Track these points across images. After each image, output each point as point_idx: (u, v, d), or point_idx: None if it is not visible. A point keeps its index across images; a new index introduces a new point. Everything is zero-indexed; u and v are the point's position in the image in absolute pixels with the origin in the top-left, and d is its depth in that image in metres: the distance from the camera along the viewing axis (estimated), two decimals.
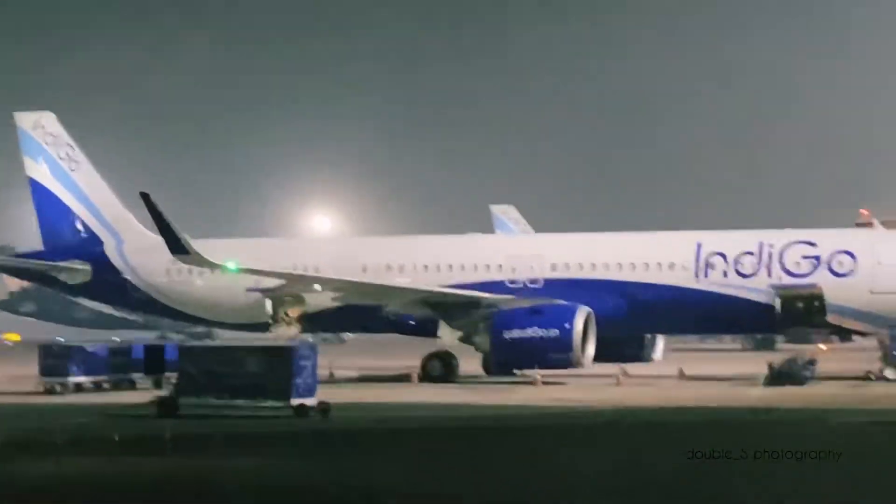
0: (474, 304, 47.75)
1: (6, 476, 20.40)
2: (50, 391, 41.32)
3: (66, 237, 57.14)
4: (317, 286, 48.94)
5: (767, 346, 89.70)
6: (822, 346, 58.36)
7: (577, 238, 52.75)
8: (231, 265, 46.51)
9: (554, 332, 45.12)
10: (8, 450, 23.57)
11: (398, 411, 33.23)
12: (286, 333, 51.48)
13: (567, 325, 45.24)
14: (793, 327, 48.91)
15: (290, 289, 50.56)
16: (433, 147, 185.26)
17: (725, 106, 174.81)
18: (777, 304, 46.89)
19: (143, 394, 40.15)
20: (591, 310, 46.22)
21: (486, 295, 48.11)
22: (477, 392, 42.31)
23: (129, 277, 55.39)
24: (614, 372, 48.00)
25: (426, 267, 51.14)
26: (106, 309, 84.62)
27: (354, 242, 55.85)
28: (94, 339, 54.33)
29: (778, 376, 45.03)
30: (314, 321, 52.58)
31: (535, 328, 45.39)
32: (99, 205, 57.15)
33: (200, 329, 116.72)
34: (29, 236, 61.65)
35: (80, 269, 56.10)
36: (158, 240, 55.61)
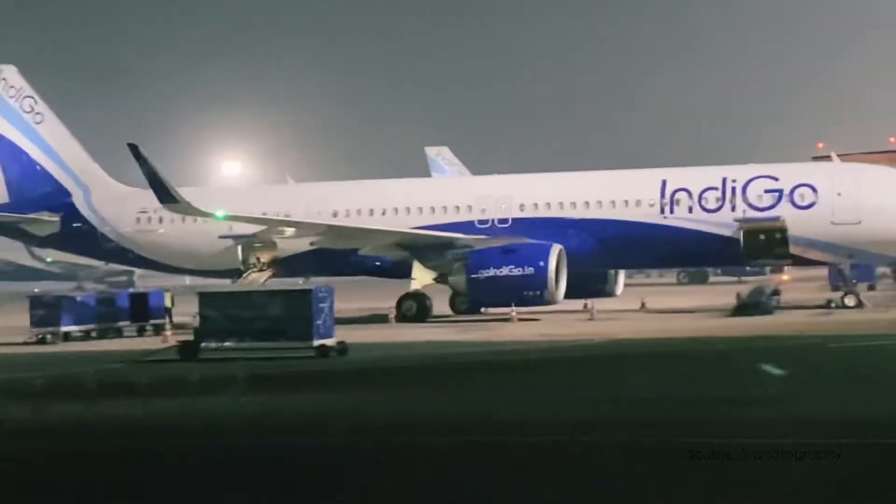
0: (448, 244, 48.77)
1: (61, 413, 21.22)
2: (41, 341, 41.88)
3: (32, 189, 57.36)
4: (288, 231, 49.75)
5: (701, 279, 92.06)
6: (784, 277, 59.87)
7: (544, 178, 53.65)
8: (219, 213, 47.03)
9: (529, 270, 46.24)
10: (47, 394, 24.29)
11: (405, 349, 34.23)
12: (258, 279, 52.29)
13: (541, 263, 46.39)
14: (757, 259, 49.99)
15: (262, 235, 51.37)
16: (369, 91, 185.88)
17: (669, 41, 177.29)
18: (741, 237, 48.25)
19: (137, 340, 41.25)
20: (562, 247, 47.35)
21: (460, 235, 49.11)
22: (462, 330, 43.31)
23: (98, 227, 55.85)
24: (582, 307, 49.58)
25: (396, 210, 52.00)
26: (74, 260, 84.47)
27: (324, 188, 56.30)
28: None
29: (745, 307, 46.63)
30: (286, 266, 53.46)
31: (511, 266, 46.46)
32: (65, 157, 57.45)
33: (123, 277, 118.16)
34: None
35: (48, 221, 56.52)
36: (127, 190, 56.52)
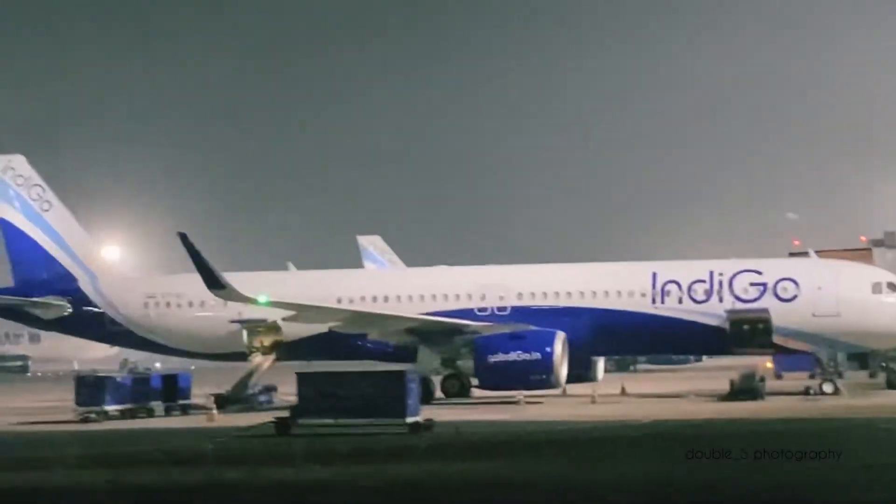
0: (457, 330, 51.61)
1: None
2: (86, 419, 43.95)
3: (38, 274, 59.41)
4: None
5: (624, 367, 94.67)
6: (768, 364, 63.24)
7: (541, 269, 56.85)
8: (262, 299, 49.39)
9: (536, 356, 49.19)
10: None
11: (475, 427, 36.59)
12: (263, 363, 54.52)
13: (548, 349, 49.43)
14: (741, 348, 53.28)
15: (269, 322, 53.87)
16: (297, 181, 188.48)
17: (604, 137, 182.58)
18: (727, 326, 51.68)
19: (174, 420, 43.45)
20: (565, 334, 50.41)
21: (469, 322, 52.01)
22: (487, 411, 45.91)
23: (106, 311, 57.99)
24: (579, 392, 52.62)
25: (398, 298, 54.76)
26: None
27: (327, 276, 58.93)
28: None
29: (739, 392, 49.86)
30: (290, 350, 55.85)
31: (518, 352, 49.41)
32: (71, 243, 59.62)
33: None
34: None
35: (56, 305, 58.52)
36: (132, 276, 58.76)
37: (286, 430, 34.83)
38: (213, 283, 48.41)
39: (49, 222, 59.75)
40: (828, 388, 51.87)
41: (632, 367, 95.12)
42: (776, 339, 51.47)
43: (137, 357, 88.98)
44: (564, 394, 53.26)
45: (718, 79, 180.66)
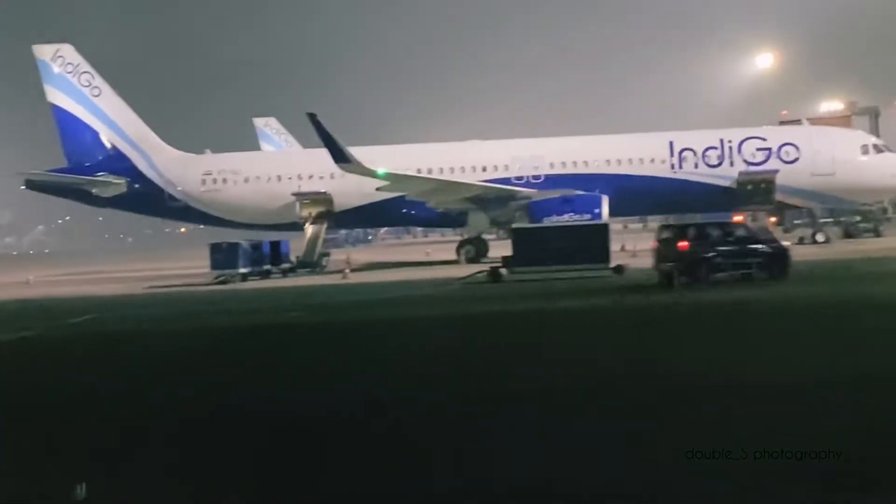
0: (511, 196, 57.96)
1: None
2: (223, 282, 49.63)
3: (91, 155, 63.69)
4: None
5: None
6: (772, 219, 71.11)
7: (569, 141, 63.28)
8: (381, 171, 54.74)
9: (587, 217, 55.76)
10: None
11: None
12: (317, 231, 59.96)
13: (597, 210, 56.25)
14: (746, 205, 60.78)
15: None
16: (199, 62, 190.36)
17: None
18: (735, 187, 59.17)
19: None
20: (608, 197, 57.19)
21: (522, 189, 58.34)
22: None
23: (164, 188, 62.76)
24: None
25: (441, 170, 60.48)
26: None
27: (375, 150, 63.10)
28: None
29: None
30: (340, 219, 61.68)
31: (570, 213, 55.98)
32: (123, 126, 63.93)
33: None
34: None
35: (114, 183, 63.01)
36: (182, 154, 63.59)
37: (499, 279, 41.18)
38: (340, 157, 53.65)
39: (100, 106, 63.84)
40: (820, 237, 60.31)
41: None
42: (778, 197, 59.18)
43: None
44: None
45: None
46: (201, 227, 71.83)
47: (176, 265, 71.94)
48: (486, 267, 43.83)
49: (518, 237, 42.89)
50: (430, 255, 68.95)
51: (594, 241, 41.60)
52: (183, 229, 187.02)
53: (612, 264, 41.57)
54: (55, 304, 43.10)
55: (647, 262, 47.07)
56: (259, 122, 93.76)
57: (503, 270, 42.11)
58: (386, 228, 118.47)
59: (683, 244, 36.57)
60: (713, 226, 38.57)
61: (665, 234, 38.71)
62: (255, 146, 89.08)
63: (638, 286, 35.66)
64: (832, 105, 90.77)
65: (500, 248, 61.51)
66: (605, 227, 43.32)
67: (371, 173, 54.62)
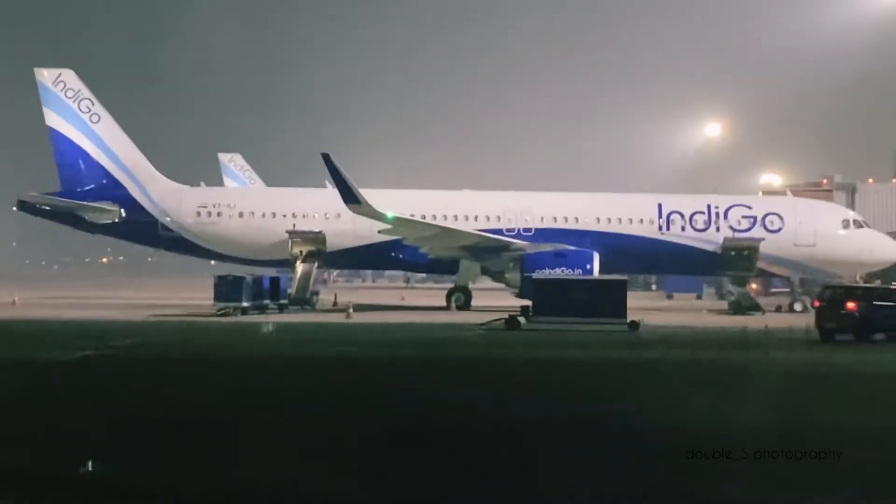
0: (506, 247, 59.34)
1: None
2: (225, 314, 50.53)
3: (86, 182, 64.09)
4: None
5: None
6: (754, 286, 73.00)
7: (560, 196, 64.97)
8: (390, 214, 55.84)
9: (578, 272, 57.19)
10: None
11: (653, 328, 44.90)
12: (308, 270, 60.90)
13: (588, 266, 57.82)
14: (729, 270, 62.55)
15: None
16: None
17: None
18: (720, 252, 61.06)
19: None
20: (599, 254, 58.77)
21: (516, 241, 59.77)
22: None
23: (159, 219, 63.35)
24: None
25: (433, 216, 61.56)
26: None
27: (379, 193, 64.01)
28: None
29: (742, 307, 59.39)
30: (331, 259, 62.77)
31: (562, 268, 57.43)
32: (120, 154, 64.46)
33: None
34: None
35: (109, 210, 63.48)
36: (178, 186, 64.34)
37: (516, 327, 42.57)
38: (350, 198, 54.78)
39: (98, 133, 64.35)
40: (798, 306, 62.12)
41: None
42: (760, 265, 61.19)
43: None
44: None
45: None
46: (121, 258, 72.62)
47: (140, 294, 71.26)
48: (503, 315, 45.09)
49: (539, 288, 44.57)
50: (405, 300, 70.30)
51: (612, 296, 43.39)
52: (105, 259, 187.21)
53: (628, 319, 43.27)
54: (74, 327, 43.44)
55: (654, 318, 49.21)
56: (224, 157, 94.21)
57: (521, 319, 43.50)
58: (337, 271, 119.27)
59: (852, 304, 39.82)
60: (875, 289, 44.22)
61: (829, 294, 41.78)
62: (219, 181, 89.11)
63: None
64: (771, 178, 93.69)
65: (486, 297, 63.86)
66: (623, 282, 45.24)
67: (380, 216, 55.81)
